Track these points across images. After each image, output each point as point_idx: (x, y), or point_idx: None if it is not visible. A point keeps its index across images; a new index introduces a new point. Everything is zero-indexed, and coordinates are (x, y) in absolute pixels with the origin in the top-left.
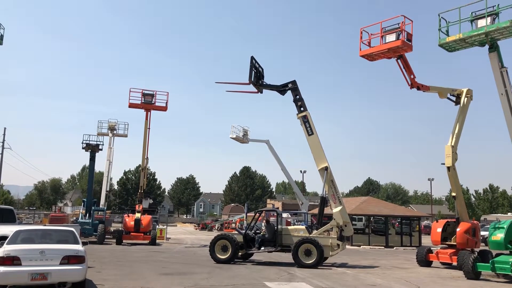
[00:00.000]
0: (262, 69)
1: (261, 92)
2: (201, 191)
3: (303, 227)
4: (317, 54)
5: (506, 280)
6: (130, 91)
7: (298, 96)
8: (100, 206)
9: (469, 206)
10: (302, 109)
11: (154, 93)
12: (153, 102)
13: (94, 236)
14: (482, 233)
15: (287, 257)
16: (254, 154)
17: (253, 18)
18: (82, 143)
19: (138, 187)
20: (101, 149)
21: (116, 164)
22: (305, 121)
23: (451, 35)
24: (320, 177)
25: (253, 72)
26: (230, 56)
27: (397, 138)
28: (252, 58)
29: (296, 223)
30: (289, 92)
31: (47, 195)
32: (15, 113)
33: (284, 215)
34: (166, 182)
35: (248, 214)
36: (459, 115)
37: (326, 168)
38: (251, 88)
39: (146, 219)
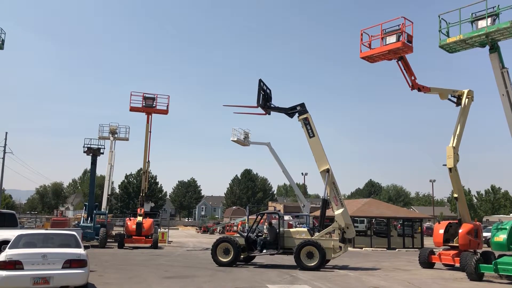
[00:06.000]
0: (270, 91)
1: (269, 114)
2: (202, 194)
3: (305, 229)
4: (317, 55)
5: (509, 281)
6: (131, 94)
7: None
8: (102, 210)
9: (471, 207)
10: (303, 111)
11: (155, 96)
12: (154, 105)
13: (96, 240)
14: (485, 234)
15: (289, 259)
16: (255, 156)
17: (254, 19)
18: (84, 147)
19: (139, 190)
20: (103, 153)
21: (117, 168)
22: (306, 123)
23: (452, 36)
24: (321, 179)
25: (261, 94)
26: (232, 59)
27: (398, 139)
28: (260, 81)
29: (298, 225)
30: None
31: (48, 199)
32: (16, 118)
33: (286, 217)
34: (168, 185)
35: (249, 217)
36: (460, 116)
37: (328, 170)
38: (259, 110)
39: (147, 222)
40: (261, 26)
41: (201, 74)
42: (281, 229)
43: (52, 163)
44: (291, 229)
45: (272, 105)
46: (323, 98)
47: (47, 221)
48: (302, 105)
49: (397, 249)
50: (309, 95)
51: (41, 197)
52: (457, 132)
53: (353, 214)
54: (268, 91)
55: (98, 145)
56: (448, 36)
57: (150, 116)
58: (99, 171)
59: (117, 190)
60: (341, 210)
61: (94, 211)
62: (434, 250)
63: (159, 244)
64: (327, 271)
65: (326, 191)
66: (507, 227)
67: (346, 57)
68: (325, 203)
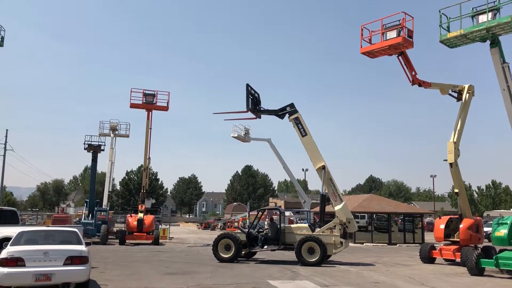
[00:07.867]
0: (258, 95)
1: (260, 117)
2: (203, 190)
3: (306, 225)
4: (317, 51)
5: (510, 276)
6: (131, 91)
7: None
8: (103, 207)
9: (472, 202)
10: (292, 111)
11: (155, 93)
12: (154, 102)
13: (97, 237)
14: (485, 229)
15: (290, 255)
16: (256, 153)
17: (253, 15)
18: (84, 144)
19: (140, 187)
20: (103, 150)
21: (118, 165)
22: (297, 122)
23: (452, 31)
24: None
25: (250, 99)
26: (232, 55)
27: (399, 135)
28: (248, 85)
29: (299, 221)
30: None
31: (49, 196)
32: (16, 115)
33: (287, 213)
34: (168, 182)
35: (250, 213)
36: (461, 111)
37: (324, 167)
38: (249, 114)
39: (148, 219)
40: (261, 24)
41: (201, 71)
42: (282, 225)
43: (53, 160)
44: (292, 225)
45: (261, 108)
46: (324, 94)
47: (48, 218)
48: (292, 105)
49: (398, 245)
50: (309, 91)
51: (42, 194)
52: (458, 127)
53: (354, 209)
54: (256, 94)
55: (98, 142)
56: (448, 31)
57: (150, 112)
58: (100, 168)
59: (118, 187)
60: (340, 206)
61: (95, 208)
62: (435, 245)
63: (160, 241)
64: (328, 266)
65: (324, 188)
66: (508, 222)
67: (347, 52)
68: (324, 199)
